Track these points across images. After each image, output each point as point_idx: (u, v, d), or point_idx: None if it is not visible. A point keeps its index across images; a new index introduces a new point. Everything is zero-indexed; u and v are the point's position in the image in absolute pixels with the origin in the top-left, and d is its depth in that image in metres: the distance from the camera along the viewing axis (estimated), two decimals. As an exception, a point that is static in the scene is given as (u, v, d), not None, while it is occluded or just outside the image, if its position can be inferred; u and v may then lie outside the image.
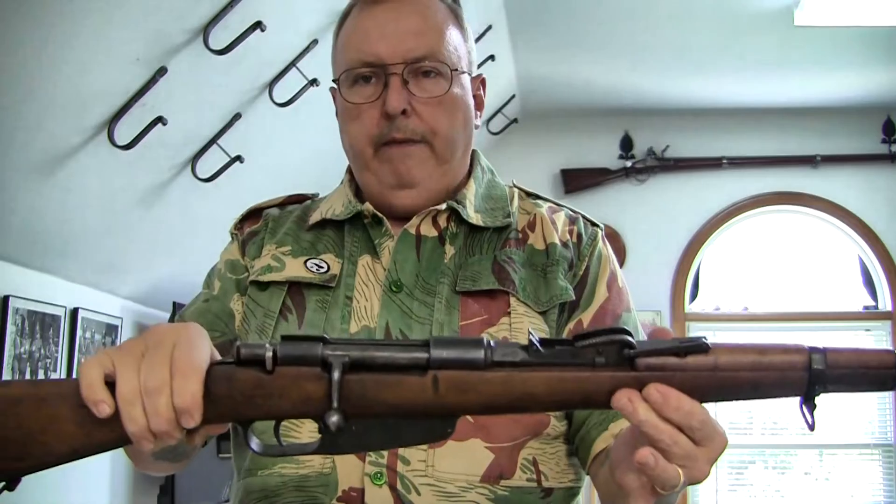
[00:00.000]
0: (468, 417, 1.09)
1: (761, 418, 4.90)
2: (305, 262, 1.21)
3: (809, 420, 0.88)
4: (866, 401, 4.82)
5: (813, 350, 0.85)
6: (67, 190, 2.31)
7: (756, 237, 4.98)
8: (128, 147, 2.26)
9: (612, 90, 4.56)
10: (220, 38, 2.28)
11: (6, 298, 2.37)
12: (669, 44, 3.95)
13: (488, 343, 0.81)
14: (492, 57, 3.67)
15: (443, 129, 1.19)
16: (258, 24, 2.34)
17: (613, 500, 1.14)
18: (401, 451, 1.08)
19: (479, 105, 1.28)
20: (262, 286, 1.21)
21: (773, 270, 4.99)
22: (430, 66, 1.18)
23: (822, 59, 4.11)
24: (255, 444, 0.83)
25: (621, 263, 5.04)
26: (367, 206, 1.22)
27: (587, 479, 1.20)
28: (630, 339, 0.80)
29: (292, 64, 2.69)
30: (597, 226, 1.29)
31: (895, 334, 4.79)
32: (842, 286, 4.93)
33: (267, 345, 0.80)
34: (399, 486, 1.07)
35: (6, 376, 2.36)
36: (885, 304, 4.85)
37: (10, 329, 2.37)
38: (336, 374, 0.78)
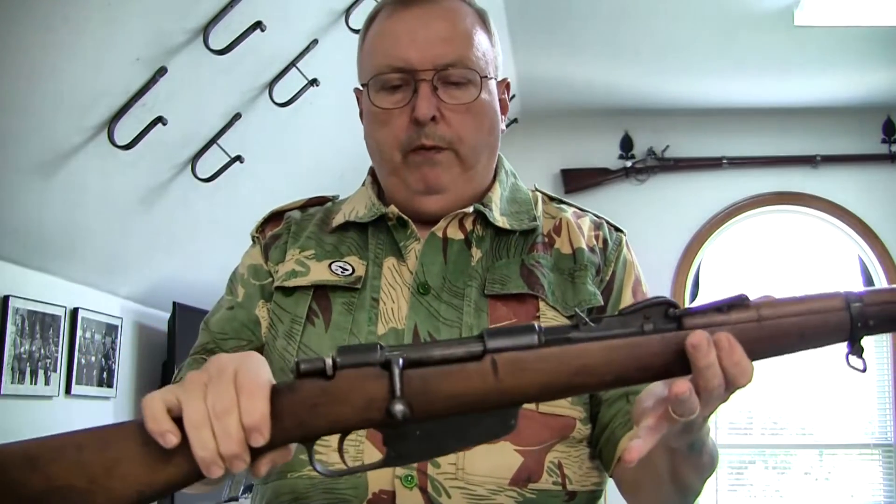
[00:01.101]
0: None
1: (761, 418, 4.90)
2: (330, 265, 1.21)
3: (861, 366, 0.88)
4: (866, 401, 4.82)
5: (850, 292, 0.86)
6: (68, 190, 2.31)
7: (756, 237, 4.98)
8: (128, 147, 2.26)
9: (612, 90, 4.56)
10: (220, 38, 2.28)
11: (6, 298, 2.37)
12: (670, 44, 3.95)
13: (539, 327, 0.82)
14: (492, 57, 3.67)
15: (469, 136, 1.19)
16: (258, 24, 2.34)
17: (636, 492, 1.16)
18: None
19: (504, 108, 1.28)
20: (288, 292, 1.21)
21: (773, 270, 4.99)
22: (459, 72, 1.18)
23: (822, 59, 4.11)
24: (319, 465, 0.83)
25: (621, 263, 5.08)
26: (392, 209, 1.22)
27: (609, 482, 1.21)
28: (671, 299, 0.83)
29: (292, 64, 2.70)
30: (621, 231, 1.29)
31: (895, 334, 4.79)
32: (842, 286, 4.93)
33: (325, 356, 0.82)
34: (430, 489, 1.08)
35: (6, 376, 2.36)
36: (885, 304, 4.85)
37: (10, 329, 2.37)
38: (397, 369, 0.79)
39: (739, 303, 0.83)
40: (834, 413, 4.82)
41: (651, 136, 4.96)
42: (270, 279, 1.25)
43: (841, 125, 4.82)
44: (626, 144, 4.95)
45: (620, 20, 3.71)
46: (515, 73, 4.30)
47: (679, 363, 0.82)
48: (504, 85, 1.29)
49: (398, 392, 0.79)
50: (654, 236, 4.83)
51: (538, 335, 0.81)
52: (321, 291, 1.19)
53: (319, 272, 1.20)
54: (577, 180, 4.94)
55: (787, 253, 4.98)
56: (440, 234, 1.21)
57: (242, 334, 1.22)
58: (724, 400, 0.87)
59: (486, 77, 1.21)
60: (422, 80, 1.17)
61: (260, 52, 2.52)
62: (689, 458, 0.99)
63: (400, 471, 1.07)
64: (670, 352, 0.81)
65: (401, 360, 0.80)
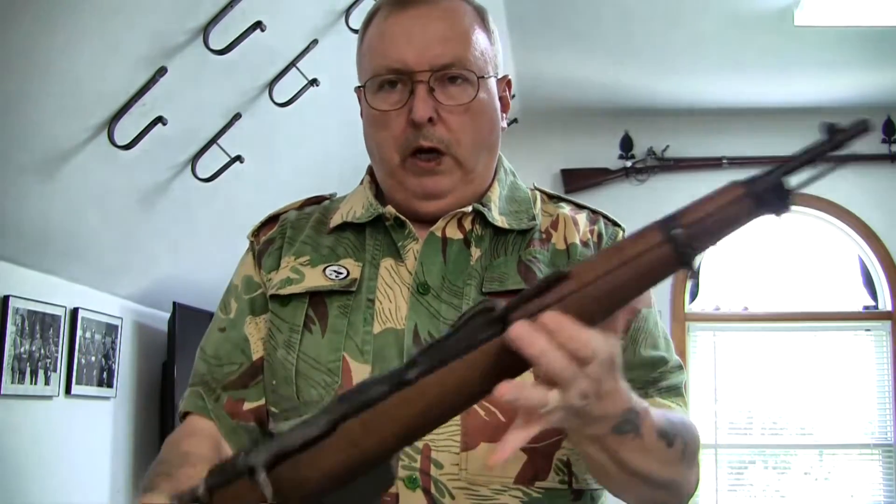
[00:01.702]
0: (500, 415, 1.09)
1: (761, 418, 4.90)
2: (324, 270, 1.20)
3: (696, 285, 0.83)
4: (866, 401, 4.82)
5: (665, 220, 0.83)
6: (67, 190, 2.31)
7: (756, 237, 4.98)
8: (128, 147, 2.26)
9: (612, 90, 4.56)
10: (220, 38, 2.28)
11: (6, 298, 2.37)
12: (670, 44, 3.95)
13: (376, 379, 0.79)
14: (492, 57, 3.67)
15: (468, 138, 1.19)
16: (258, 24, 2.34)
17: (606, 487, 1.15)
18: (434, 454, 1.08)
19: (505, 106, 1.28)
20: (284, 300, 1.20)
21: (773, 270, 4.99)
22: (456, 73, 1.17)
23: (822, 59, 4.11)
24: None
25: (621, 263, 5.06)
26: (390, 210, 1.21)
27: None
28: (489, 301, 0.79)
29: (292, 64, 2.70)
30: (618, 226, 1.29)
31: (895, 334, 4.79)
32: (842, 286, 4.93)
33: (200, 482, 0.81)
34: (433, 490, 1.08)
35: (6, 376, 2.36)
36: (885, 304, 4.85)
37: (10, 329, 2.37)
38: (261, 475, 0.77)
39: (556, 278, 0.78)
40: (834, 413, 4.82)
41: (651, 136, 4.96)
42: (261, 290, 1.24)
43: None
44: (626, 144, 4.95)
45: (621, 20, 3.71)
46: (516, 72, 4.30)
47: (519, 361, 0.77)
48: (505, 82, 1.28)
49: (269, 498, 0.77)
50: (654, 236, 4.82)
51: (376, 387, 0.78)
52: (317, 298, 1.19)
53: (314, 278, 1.20)
54: (577, 180, 4.94)
55: (787, 253, 4.98)
56: (439, 234, 1.20)
57: (234, 357, 1.23)
58: (610, 375, 0.82)
59: (484, 77, 1.20)
60: (418, 82, 1.16)
61: (260, 52, 2.52)
62: (623, 443, 0.92)
63: (402, 472, 1.07)
64: (505, 354, 0.77)
65: (263, 463, 0.78)
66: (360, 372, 1.13)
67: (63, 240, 2.50)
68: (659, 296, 4.96)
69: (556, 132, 4.97)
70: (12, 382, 2.39)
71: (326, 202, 1.33)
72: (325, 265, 1.21)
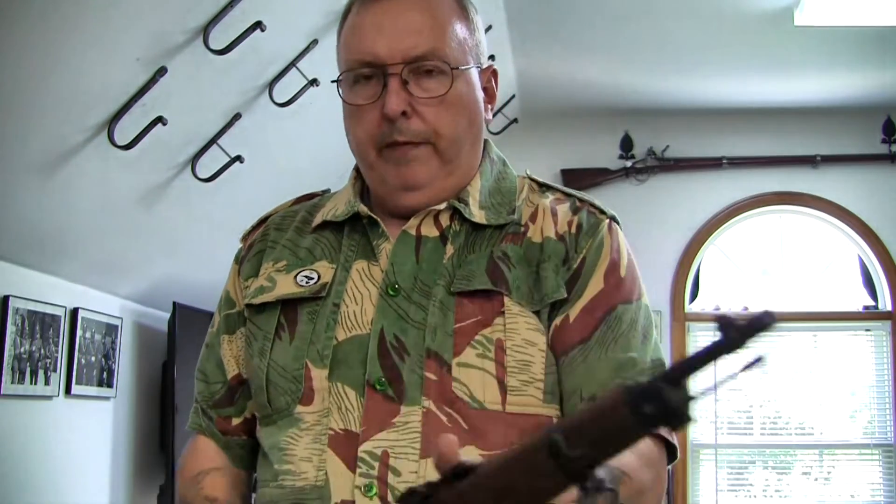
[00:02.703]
0: (462, 422, 1.07)
1: (761, 418, 4.90)
2: (296, 276, 1.18)
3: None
4: (866, 401, 4.82)
5: (551, 429, 0.67)
6: (67, 190, 2.31)
7: (756, 237, 4.98)
8: (128, 147, 2.26)
9: (612, 90, 4.56)
10: (220, 38, 2.28)
11: (6, 298, 2.37)
12: (670, 44, 3.95)
13: None
14: (492, 57, 3.64)
15: (446, 130, 1.15)
16: (258, 24, 2.34)
17: None
18: (392, 462, 1.06)
19: (491, 98, 1.24)
20: (258, 308, 1.19)
21: (773, 270, 4.99)
22: (430, 65, 1.14)
23: (822, 59, 4.11)
24: None
25: (621, 263, 5.07)
26: (362, 208, 1.19)
27: None
28: (412, 488, 0.73)
29: (292, 64, 2.70)
30: (604, 213, 1.21)
31: (895, 334, 4.79)
32: (842, 286, 4.93)
33: None
34: (390, 498, 1.05)
35: (6, 376, 2.36)
36: (885, 304, 4.85)
37: (10, 329, 2.37)
38: None
39: (462, 472, 0.71)
40: (834, 413, 4.82)
41: (651, 136, 4.96)
42: (236, 308, 1.25)
43: (841, 125, 4.82)
44: (626, 144, 4.95)
45: (621, 20, 3.71)
46: (515, 72, 4.30)
47: None
48: (490, 72, 1.25)
49: None
50: (654, 236, 4.83)
51: None
52: (289, 305, 1.17)
53: (285, 286, 1.18)
54: (577, 180, 4.93)
55: (787, 253, 4.98)
56: (413, 233, 1.17)
57: (217, 376, 1.25)
58: None
59: (459, 68, 1.16)
60: (391, 75, 1.13)
61: (260, 52, 2.52)
62: None
63: (360, 480, 1.06)
64: None
65: None
66: (318, 377, 1.12)
67: (63, 240, 2.50)
68: (659, 296, 4.98)
69: (556, 132, 4.97)
70: (12, 382, 2.39)
71: (317, 199, 1.30)
72: (298, 271, 1.19)
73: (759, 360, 0.68)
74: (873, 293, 4.89)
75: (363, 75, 1.16)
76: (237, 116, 2.66)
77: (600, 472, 0.69)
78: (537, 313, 1.12)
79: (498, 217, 1.18)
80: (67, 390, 2.68)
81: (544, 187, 1.26)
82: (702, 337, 4.91)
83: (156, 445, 3.21)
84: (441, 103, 1.15)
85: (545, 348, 1.11)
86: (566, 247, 1.16)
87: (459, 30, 1.19)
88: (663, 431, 1.12)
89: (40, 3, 1.83)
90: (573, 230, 1.17)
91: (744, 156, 4.90)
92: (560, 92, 4.59)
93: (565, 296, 1.13)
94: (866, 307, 4.89)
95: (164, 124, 2.31)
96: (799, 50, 3.95)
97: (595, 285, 1.15)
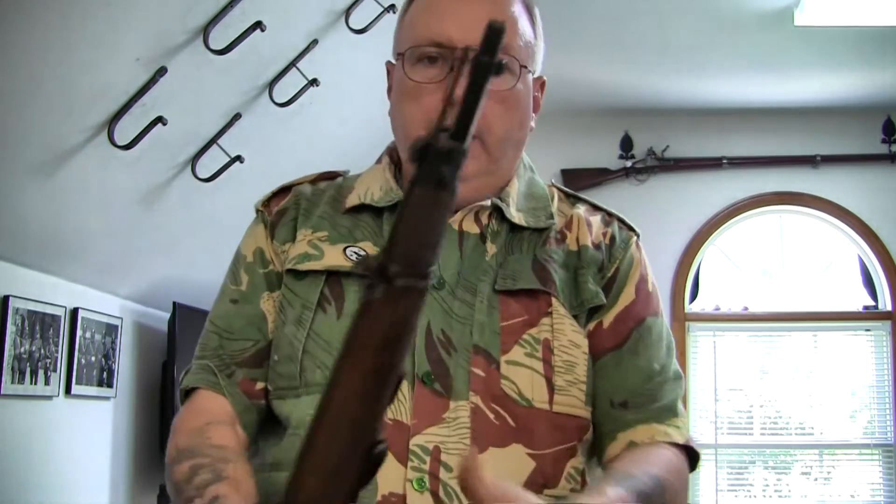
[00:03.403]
0: (509, 420, 1.08)
1: (761, 418, 4.90)
2: (345, 249, 1.16)
3: None
4: (866, 401, 4.82)
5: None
6: (68, 190, 2.31)
7: (756, 237, 4.98)
8: (128, 147, 2.26)
9: (612, 90, 4.56)
10: (220, 38, 2.28)
11: (6, 298, 2.37)
12: (670, 44, 3.95)
13: None
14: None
15: (499, 127, 1.15)
16: (258, 24, 2.34)
17: None
18: (443, 457, 1.05)
19: (537, 107, 1.24)
20: (300, 275, 1.16)
21: (773, 270, 4.99)
22: (500, 57, 1.14)
23: (822, 59, 4.11)
24: None
25: (621, 263, 5.08)
26: None
27: None
28: None
29: (292, 64, 2.70)
30: (633, 230, 1.27)
31: (895, 334, 4.79)
32: (842, 286, 4.93)
33: None
34: (441, 493, 1.05)
35: (6, 376, 2.36)
36: (885, 304, 4.85)
37: (10, 329, 2.37)
38: None
39: None
40: (834, 413, 4.82)
41: (651, 136, 4.96)
42: (273, 267, 1.20)
43: (841, 125, 4.82)
44: (626, 144, 4.95)
45: (621, 20, 3.71)
46: (515, 73, 4.30)
47: None
48: (539, 83, 1.25)
49: None
50: (654, 236, 4.80)
51: None
52: (334, 277, 1.14)
53: (333, 257, 1.15)
54: (577, 180, 4.94)
55: (787, 253, 4.98)
56: (456, 227, 1.17)
57: (249, 333, 1.18)
58: None
59: (526, 67, 1.17)
60: (461, 59, 1.11)
61: (260, 52, 2.52)
62: None
63: (412, 474, 1.04)
64: None
65: None
66: None
67: (63, 240, 2.50)
68: (659, 296, 4.97)
69: (556, 132, 4.97)
70: (12, 382, 2.39)
71: (340, 179, 1.29)
72: (345, 245, 1.17)
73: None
74: (873, 293, 4.89)
75: (428, 55, 1.14)
76: (237, 116, 2.66)
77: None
78: (576, 317, 1.15)
79: (537, 221, 1.20)
80: (67, 390, 2.68)
81: (573, 198, 1.29)
82: (702, 337, 4.91)
83: (156, 445, 3.21)
84: (502, 99, 1.14)
85: (587, 351, 1.14)
86: (602, 256, 1.20)
87: (528, 31, 1.19)
88: (689, 441, 1.19)
89: (40, 3, 1.83)
90: (607, 241, 1.22)
91: (744, 156, 4.90)
92: (560, 92, 4.58)
93: (604, 301, 1.17)
94: (866, 307, 4.89)
95: (164, 124, 2.31)
96: (799, 50, 3.95)
97: (627, 296, 1.20)
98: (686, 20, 3.68)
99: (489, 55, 0.66)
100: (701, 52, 4.04)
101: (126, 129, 2.24)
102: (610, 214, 1.28)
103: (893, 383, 4.75)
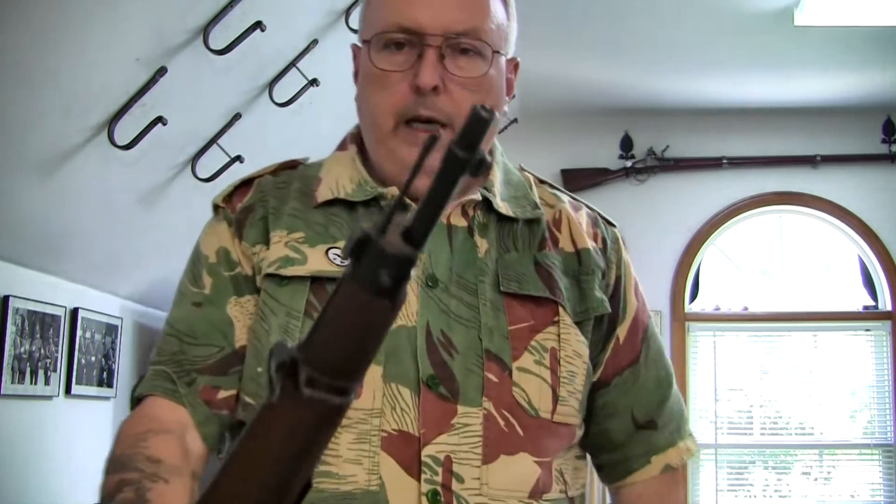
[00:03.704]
0: (518, 428, 1.05)
1: (761, 418, 4.90)
2: (327, 251, 1.09)
3: None
4: (866, 401, 4.82)
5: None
6: (67, 190, 2.31)
7: (756, 237, 4.98)
8: (128, 147, 2.26)
9: (612, 90, 4.56)
10: (220, 38, 2.28)
11: (6, 298, 2.37)
12: (669, 44, 3.95)
13: None
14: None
15: None
16: (258, 24, 2.34)
17: None
18: (455, 468, 1.01)
19: (510, 90, 1.18)
20: (282, 281, 1.08)
21: (773, 270, 4.99)
22: (469, 43, 1.08)
23: (822, 59, 4.11)
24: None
25: (621, 263, 5.08)
26: (393, 191, 1.10)
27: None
28: None
29: (292, 64, 2.70)
30: (613, 225, 1.24)
31: (895, 334, 4.79)
32: (842, 286, 4.93)
33: None
34: None
35: (6, 376, 2.36)
36: (885, 304, 4.85)
37: (10, 329, 2.37)
38: None
39: None
40: (834, 413, 4.82)
41: (651, 136, 4.96)
42: (240, 269, 1.12)
43: (841, 125, 4.82)
44: (626, 144, 4.95)
45: (620, 20, 3.71)
46: (515, 73, 4.30)
47: None
48: (513, 64, 1.19)
49: None
50: (654, 236, 4.83)
51: None
52: (318, 283, 1.07)
53: (317, 261, 1.08)
54: (577, 180, 4.94)
55: (787, 253, 4.98)
56: (445, 221, 1.11)
57: (213, 339, 1.10)
58: None
59: (498, 52, 1.12)
60: (429, 46, 1.07)
61: (260, 52, 2.52)
62: None
63: (426, 486, 1.00)
64: None
65: None
66: (371, 374, 1.02)
67: (63, 240, 2.50)
68: (659, 296, 4.98)
69: (556, 132, 4.97)
70: (12, 382, 2.39)
71: (301, 168, 1.21)
72: (326, 246, 1.09)
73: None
74: (873, 293, 4.89)
75: (396, 41, 1.09)
76: (237, 116, 2.66)
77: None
78: (578, 324, 1.12)
79: (523, 212, 1.15)
80: (67, 390, 2.68)
81: (547, 184, 1.24)
82: (702, 337, 4.91)
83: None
84: (474, 85, 1.09)
85: (588, 361, 1.12)
86: (601, 260, 1.17)
87: (500, 13, 1.14)
88: (671, 456, 1.20)
89: (40, 3, 1.83)
90: (600, 244, 1.19)
91: (744, 156, 4.90)
92: (560, 92, 4.59)
93: (609, 310, 1.15)
94: (866, 307, 4.89)
95: (164, 124, 2.30)
96: (799, 50, 3.95)
97: (632, 304, 1.20)
98: (686, 20, 3.68)
99: (467, 149, 0.53)
100: (701, 52, 4.04)
101: (126, 129, 2.24)
102: (591, 208, 1.24)
103: (893, 383, 4.75)
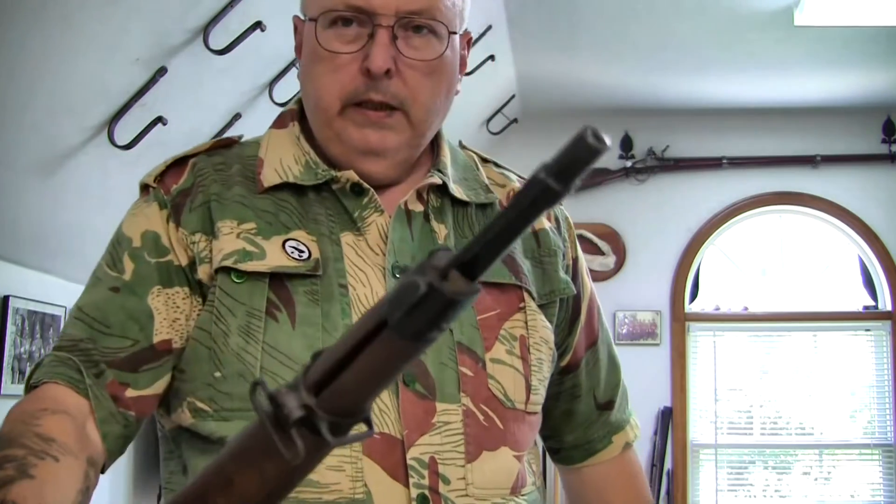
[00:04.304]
0: (497, 422, 1.02)
1: (761, 418, 4.90)
2: (283, 244, 1.01)
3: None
4: (866, 401, 4.82)
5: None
6: (67, 190, 2.31)
7: (756, 237, 4.98)
8: (128, 147, 2.26)
9: (612, 90, 4.56)
10: (220, 38, 2.28)
11: (6, 298, 2.37)
12: (669, 44, 3.95)
13: None
14: (492, 57, 3.67)
15: (425, 97, 1.02)
16: (258, 24, 2.34)
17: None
18: (440, 469, 0.97)
19: (463, 67, 1.10)
20: (239, 276, 0.99)
21: (773, 270, 4.99)
22: (424, 22, 1.01)
23: (822, 59, 4.11)
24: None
25: (621, 263, 5.10)
26: (350, 174, 1.03)
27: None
28: None
29: (292, 64, 2.70)
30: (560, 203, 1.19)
31: (895, 334, 4.79)
32: (842, 286, 4.93)
33: None
34: None
35: (6, 376, 2.36)
36: (885, 304, 4.85)
37: (10, 329, 2.37)
38: None
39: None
40: (834, 413, 4.82)
41: (651, 136, 4.96)
42: (173, 257, 1.02)
43: (841, 125, 4.82)
44: (626, 144, 4.95)
45: (621, 20, 3.71)
46: (515, 72, 4.30)
47: None
48: (466, 39, 1.11)
49: None
50: (654, 236, 4.83)
51: None
52: (277, 279, 0.99)
53: (275, 255, 1.00)
54: (577, 180, 4.93)
55: (787, 253, 4.98)
56: (403, 206, 1.04)
57: (129, 330, 0.99)
58: None
59: (455, 32, 1.05)
60: (380, 26, 0.99)
61: (260, 52, 2.52)
62: None
63: (415, 491, 0.95)
64: None
65: None
66: None
67: (63, 239, 2.50)
68: (659, 296, 4.98)
69: (556, 132, 4.94)
70: (12, 382, 2.39)
71: (237, 147, 1.12)
72: (282, 238, 1.01)
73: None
74: (873, 293, 4.89)
75: (344, 18, 1.01)
76: (237, 116, 2.66)
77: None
78: (542, 307, 1.09)
79: (477, 196, 1.09)
80: (67, 390, 2.68)
81: (492, 163, 1.18)
82: (702, 337, 4.91)
83: (155, 446, 3.21)
84: (428, 68, 1.02)
85: (553, 348, 1.09)
86: (559, 240, 1.14)
87: None
88: (628, 434, 1.22)
89: (40, 3, 1.83)
90: (554, 223, 1.14)
91: (744, 156, 4.90)
92: (560, 92, 4.59)
93: (574, 292, 1.12)
94: (866, 307, 4.89)
95: (164, 124, 2.31)
96: (799, 50, 3.95)
97: (587, 284, 1.18)
98: (686, 20, 3.68)
99: (563, 181, 0.46)
100: (701, 52, 4.04)
101: (126, 129, 2.24)
102: None
103: (893, 383, 4.75)
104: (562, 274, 1.11)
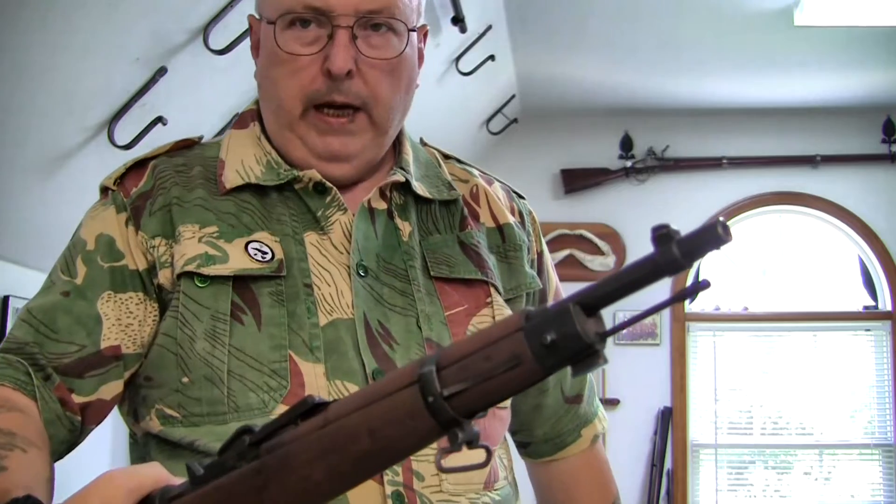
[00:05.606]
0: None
1: (761, 418, 4.90)
2: (246, 246, 1.01)
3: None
4: (866, 401, 4.82)
5: (423, 361, 0.61)
6: (68, 190, 2.31)
7: (756, 237, 4.98)
8: (128, 147, 2.26)
9: (612, 90, 4.56)
10: (220, 38, 2.28)
11: (6, 298, 2.37)
12: (670, 44, 3.95)
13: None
14: (492, 57, 3.67)
15: (387, 96, 1.03)
16: (258, 24, 2.34)
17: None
18: (414, 466, 0.97)
19: (421, 60, 1.10)
20: (203, 281, 0.98)
21: (773, 270, 4.99)
22: (383, 20, 1.01)
23: (822, 59, 4.11)
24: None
25: (621, 263, 5.09)
26: (313, 174, 1.03)
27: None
28: (247, 425, 0.68)
29: (292, 64, 2.70)
30: (523, 197, 1.19)
31: (895, 334, 4.79)
32: (842, 286, 4.93)
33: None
34: None
35: (6, 376, 2.36)
36: (885, 304, 4.85)
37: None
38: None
39: (311, 409, 0.65)
40: (834, 413, 4.82)
41: (651, 136, 4.96)
42: (129, 261, 1.02)
43: (841, 125, 4.82)
44: (626, 144, 4.95)
45: (620, 20, 3.71)
46: (515, 73, 4.30)
47: (270, 493, 0.67)
48: (423, 33, 1.10)
49: None
50: (654, 236, 4.83)
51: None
52: (241, 282, 0.99)
53: (238, 258, 0.99)
54: (577, 180, 4.94)
55: (787, 253, 4.98)
56: (366, 204, 1.04)
57: (75, 336, 0.98)
58: None
59: (413, 29, 1.05)
60: (339, 27, 0.99)
61: (260, 52, 2.52)
62: None
63: (389, 488, 0.95)
64: (255, 486, 0.66)
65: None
66: (313, 373, 0.96)
67: (63, 240, 2.50)
68: (659, 296, 4.96)
69: (556, 132, 4.97)
70: (12, 382, 2.40)
71: (198, 148, 1.13)
72: (244, 240, 1.01)
73: (704, 284, 0.57)
74: (873, 293, 4.90)
75: (302, 19, 1.01)
76: (237, 116, 2.66)
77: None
78: (509, 302, 1.09)
79: (440, 193, 1.09)
80: (67, 390, 2.68)
81: (454, 159, 1.18)
82: (702, 337, 4.91)
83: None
84: (388, 67, 1.02)
85: None
86: (524, 235, 1.14)
87: None
88: (596, 426, 1.22)
89: (40, 3, 1.83)
90: (518, 217, 1.15)
91: (744, 156, 4.90)
92: (560, 92, 4.59)
93: (540, 286, 1.13)
94: (866, 307, 4.89)
95: (164, 124, 2.31)
96: (799, 50, 3.95)
97: (553, 278, 1.19)
98: (686, 20, 3.69)
99: (687, 257, 0.55)
100: (701, 52, 4.04)
101: (126, 129, 2.25)
102: (501, 182, 1.18)
103: (893, 383, 4.75)
104: (527, 268, 1.11)
